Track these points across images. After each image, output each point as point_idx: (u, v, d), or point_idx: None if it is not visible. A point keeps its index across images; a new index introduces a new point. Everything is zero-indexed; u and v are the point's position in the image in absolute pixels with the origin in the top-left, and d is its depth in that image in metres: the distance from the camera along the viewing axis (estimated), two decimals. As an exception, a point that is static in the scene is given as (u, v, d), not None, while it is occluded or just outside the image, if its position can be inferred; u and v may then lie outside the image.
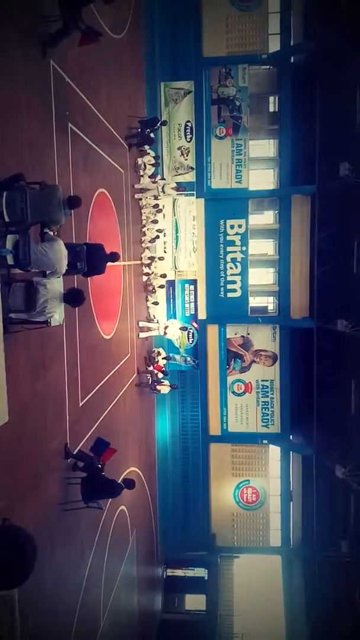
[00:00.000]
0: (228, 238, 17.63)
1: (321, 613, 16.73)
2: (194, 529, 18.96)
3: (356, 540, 14.82)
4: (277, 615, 18.74)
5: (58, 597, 7.75)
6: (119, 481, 8.81)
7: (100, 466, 8.26)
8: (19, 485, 6.40)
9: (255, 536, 18.99)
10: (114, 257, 7.86)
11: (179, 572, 19.98)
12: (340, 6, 14.85)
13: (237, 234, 17.58)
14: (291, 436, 18.28)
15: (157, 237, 16.43)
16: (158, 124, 15.34)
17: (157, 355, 16.55)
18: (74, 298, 6.22)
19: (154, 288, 16.35)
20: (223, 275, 17.75)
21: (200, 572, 19.68)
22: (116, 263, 10.24)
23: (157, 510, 17.95)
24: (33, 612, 6.52)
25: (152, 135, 15.05)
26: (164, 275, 16.78)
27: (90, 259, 7.00)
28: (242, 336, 18.00)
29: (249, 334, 17.96)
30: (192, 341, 18.15)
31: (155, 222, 16.18)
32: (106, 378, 10.97)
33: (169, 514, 18.71)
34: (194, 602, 19.93)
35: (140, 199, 15.39)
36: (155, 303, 16.77)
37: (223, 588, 19.16)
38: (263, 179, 18.95)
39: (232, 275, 17.74)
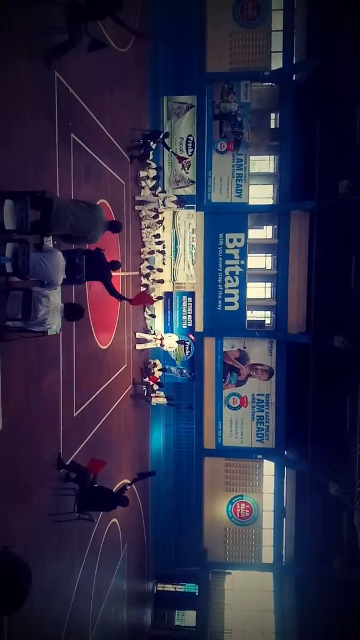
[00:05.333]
0: (227, 251, 17.70)
1: (313, 631, 16.53)
2: (186, 544, 18.78)
3: (349, 558, 14.69)
4: (268, 633, 18.51)
5: (46, 609, 7.64)
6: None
7: (92, 478, 8.20)
8: (10, 495, 6.34)
9: (247, 552, 18.81)
10: (115, 265, 7.88)
11: (170, 587, 19.76)
12: (343, 25, 15.06)
13: (235, 247, 17.66)
14: (286, 452, 18.19)
15: (157, 250, 16.48)
16: (161, 136, 15.45)
17: (153, 367, 16.52)
18: (73, 313, 6.21)
19: (152, 298, 16.35)
20: (221, 288, 17.79)
21: (191, 587, 19.48)
22: (115, 273, 10.25)
23: (150, 523, 17.79)
24: (21, 624, 6.43)
25: (153, 145, 15.13)
26: (161, 281, 16.79)
27: (90, 268, 7.02)
28: (239, 350, 17.99)
29: (245, 347, 17.96)
30: (189, 353, 18.13)
31: (156, 236, 16.26)
32: (101, 388, 10.92)
33: (161, 527, 18.54)
34: (184, 618, 19.68)
35: (140, 211, 15.45)
36: (153, 315, 16.78)
37: (214, 604, 18.94)
38: (263, 194, 19.07)
39: (230, 288, 17.78)
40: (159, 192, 16.12)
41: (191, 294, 18.02)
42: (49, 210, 5.78)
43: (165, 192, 16.91)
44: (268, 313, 19.04)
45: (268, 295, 19.06)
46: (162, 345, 16.60)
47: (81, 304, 6.48)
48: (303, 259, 17.30)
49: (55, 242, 6.98)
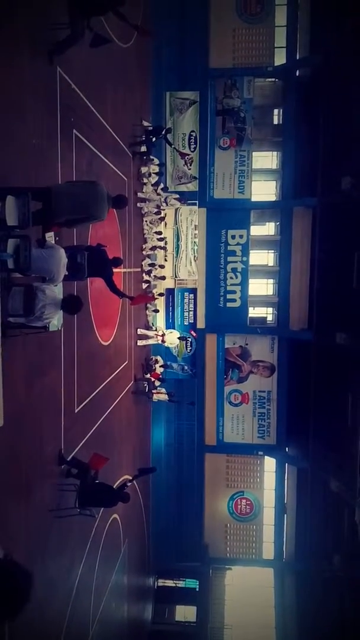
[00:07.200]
0: (229, 248, 17.66)
1: (313, 627, 16.58)
2: (186, 539, 18.82)
3: (349, 555, 14.71)
4: (269, 629, 18.57)
5: (47, 604, 7.68)
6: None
7: (93, 474, 8.22)
8: (11, 490, 6.36)
9: (248, 548, 18.85)
10: (117, 262, 7.88)
11: (170, 583, 19.83)
12: (347, 21, 14.98)
13: (238, 244, 17.61)
14: (287, 448, 18.20)
15: (159, 246, 16.48)
16: (163, 132, 15.41)
17: (155, 363, 16.53)
18: (71, 305, 6.09)
19: (153, 296, 16.38)
20: (223, 284, 17.76)
21: (192, 583, 19.54)
22: (117, 270, 10.25)
23: (150, 519, 17.84)
24: (22, 619, 6.44)
25: (154, 140, 15.10)
26: (162, 277, 16.81)
27: (91, 264, 7.01)
28: (241, 346, 17.98)
29: (247, 344, 17.94)
30: (190, 350, 18.13)
31: (158, 233, 16.25)
32: (103, 384, 10.94)
33: (161, 523, 18.59)
34: (185, 613, 19.76)
35: (142, 207, 15.44)
36: (156, 311, 16.80)
37: (214, 600, 19.01)
38: (265, 190, 19.02)
39: (232, 285, 17.74)
40: (160, 189, 16.10)
41: (193, 291, 18.01)
42: (49, 198, 5.76)
43: (167, 189, 16.89)
44: (270, 310, 19.02)
45: (270, 292, 19.02)
46: (163, 341, 16.61)
47: (80, 296, 6.43)
48: (305, 255, 17.25)
49: (57, 239, 6.99)
